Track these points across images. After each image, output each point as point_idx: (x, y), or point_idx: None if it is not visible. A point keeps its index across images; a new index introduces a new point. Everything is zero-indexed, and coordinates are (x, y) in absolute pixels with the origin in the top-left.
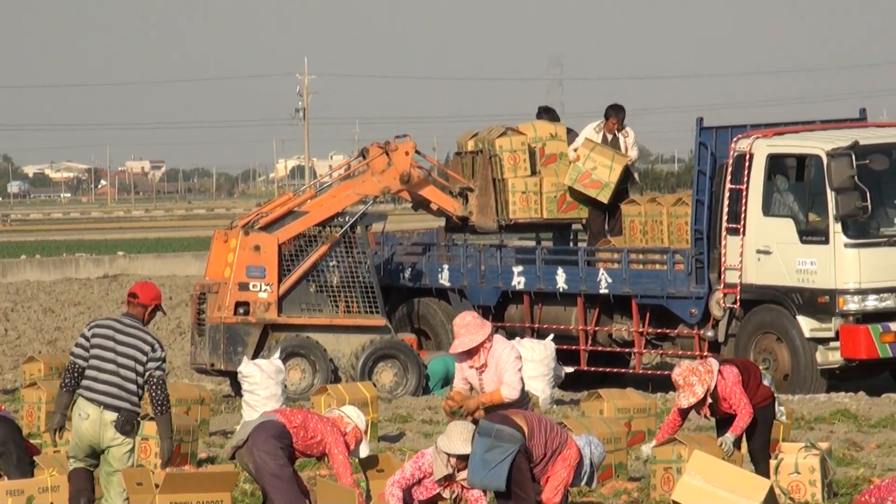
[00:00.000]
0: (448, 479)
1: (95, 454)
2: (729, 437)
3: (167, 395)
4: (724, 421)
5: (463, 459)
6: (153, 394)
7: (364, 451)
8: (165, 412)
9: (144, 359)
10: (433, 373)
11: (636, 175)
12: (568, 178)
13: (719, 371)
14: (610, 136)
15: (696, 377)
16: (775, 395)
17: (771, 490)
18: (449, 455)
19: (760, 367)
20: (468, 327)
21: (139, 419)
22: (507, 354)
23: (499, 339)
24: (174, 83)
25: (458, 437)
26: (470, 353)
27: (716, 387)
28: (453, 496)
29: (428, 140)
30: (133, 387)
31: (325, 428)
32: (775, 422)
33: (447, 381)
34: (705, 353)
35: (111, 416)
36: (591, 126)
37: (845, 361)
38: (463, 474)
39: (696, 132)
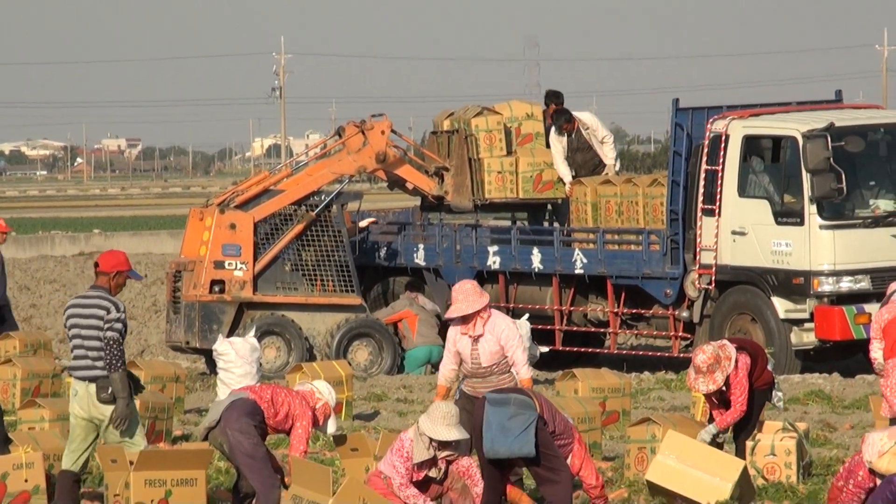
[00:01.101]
0: (429, 461)
1: (91, 437)
2: (711, 429)
3: (117, 354)
4: (719, 403)
5: (443, 444)
6: (104, 353)
7: (332, 427)
8: (115, 370)
9: (101, 323)
10: (415, 358)
11: (611, 153)
12: (523, 192)
13: (735, 359)
14: (574, 134)
15: (718, 365)
16: (775, 380)
17: (745, 470)
18: (431, 439)
19: (767, 351)
20: (467, 294)
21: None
22: (511, 332)
23: (497, 312)
24: (151, 61)
25: (441, 422)
26: (465, 321)
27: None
28: (441, 473)
29: (404, 120)
30: (100, 353)
31: (294, 400)
32: (767, 403)
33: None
34: (680, 335)
35: (93, 387)
36: (553, 134)
37: (820, 343)
38: (445, 451)
39: (672, 113)
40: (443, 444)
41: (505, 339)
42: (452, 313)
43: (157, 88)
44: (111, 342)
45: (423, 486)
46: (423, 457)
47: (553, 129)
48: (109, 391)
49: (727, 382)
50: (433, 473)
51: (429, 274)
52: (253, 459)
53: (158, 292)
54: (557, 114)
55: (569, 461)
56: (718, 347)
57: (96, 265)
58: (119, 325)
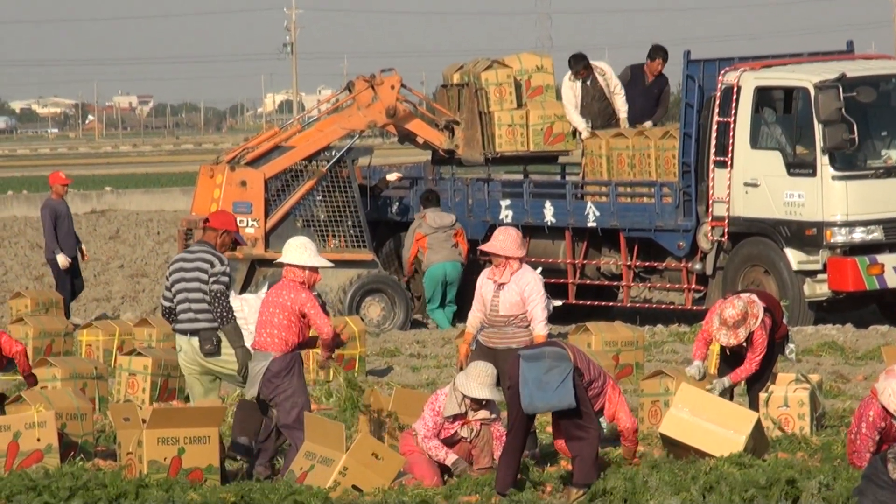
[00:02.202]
0: (460, 418)
1: (208, 381)
2: (725, 381)
3: (226, 306)
4: (730, 355)
5: (476, 402)
6: (212, 307)
7: (319, 261)
8: (227, 323)
9: (206, 276)
10: (431, 277)
11: (623, 106)
12: (534, 145)
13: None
14: (588, 81)
15: (744, 321)
16: (789, 332)
17: (758, 422)
18: (464, 396)
19: (782, 304)
20: (508, 237)
21: (221, 337)
22: (536, 287)
23: (528, 267)
24: (162, 18)
25: (475, 380)
26: (495, 264)
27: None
28: (472, 434)
29: (416, 74)
30: (203, 305)
31: (286, 302)
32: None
33: (444, 287)
34: (693, 287)
35: (195, 340)
36: (565, 78)
37: (833, 294)
38: (481, 413)
39: (684, 65)
40: (475, 403)
41: (528, 293)
42: (486, 247)
43: (169, 45)
44: (218, 295)
45: (452, 443)
46: (454, 411)
47: (567, 76)
48: (214, 343)
49: (748, 338)
50: (464, 433)
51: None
52: (292, 429)
53: (171, 250)
54: (574, 58)
55: (605, 407)
56: (748, 304)
57: (206, 221)
58: (225, 279)
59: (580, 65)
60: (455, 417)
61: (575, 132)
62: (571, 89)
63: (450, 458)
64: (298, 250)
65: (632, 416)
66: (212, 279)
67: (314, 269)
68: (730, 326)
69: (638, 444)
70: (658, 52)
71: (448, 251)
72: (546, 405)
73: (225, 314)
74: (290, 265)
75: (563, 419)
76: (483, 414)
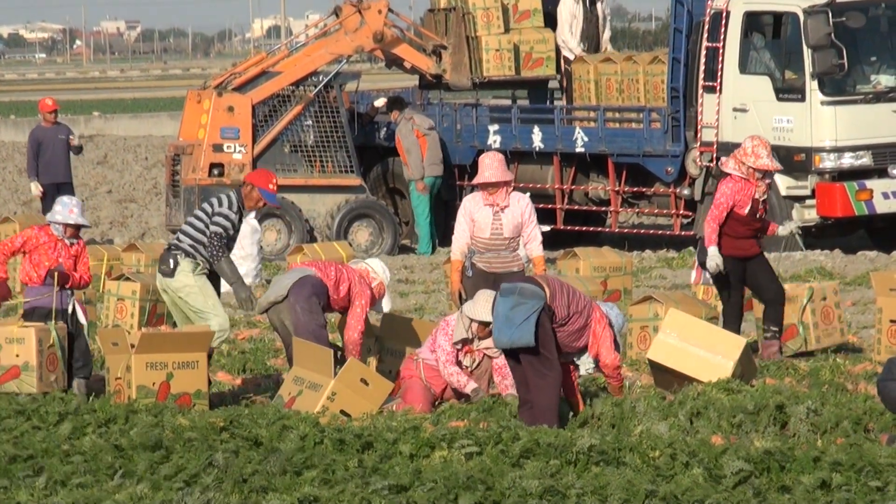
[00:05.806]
0: (465, 344)
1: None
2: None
3: (218, 245)
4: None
5: (484, 326)
6: (206, 246)
7: (387, 306)
8: (218, 260)
9: (206, 217)
10: (427, 184)
11: (607, 43)
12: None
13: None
14: (589, 4)
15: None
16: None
17: (746, 348)
18: (472, 320)
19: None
20: (501, 163)
21: (179, 260)
22: (532, 208)
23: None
24: None
25: (483, 304)
26: (491, 191)
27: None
28: (474, 364)
29: None
30: (196, 237)
31: (354, 278)
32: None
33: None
34: (681, 212)
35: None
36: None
37: (821, 219)
38: (485, 343)
39: None
40: (483, 329)
41: (528, 214)
42: (488, 178)
43: None
44: (213, 235)
45: None
46: (461, 336)
47: None
48: (171, 265)
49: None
50: (466, 361)
51: None
52: (317, 340)
53: (159, 175)
54: None
55: (589, 343)
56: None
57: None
58: (221, 220)
59: None
60: (462, 343)
61: (559, 58)
62: (571, 10)
63: (469, 385)
64: (385, 268)
65: (614, 352)
66: (209, 220)
67: (382, 286)
68: (768, 151)
69: (622, 381)
70: None
71: (439, 164)
72: (508, 340)
73: (216, 252)
74: (370, 267)
75: (526, 356)
76: (487, 344)
